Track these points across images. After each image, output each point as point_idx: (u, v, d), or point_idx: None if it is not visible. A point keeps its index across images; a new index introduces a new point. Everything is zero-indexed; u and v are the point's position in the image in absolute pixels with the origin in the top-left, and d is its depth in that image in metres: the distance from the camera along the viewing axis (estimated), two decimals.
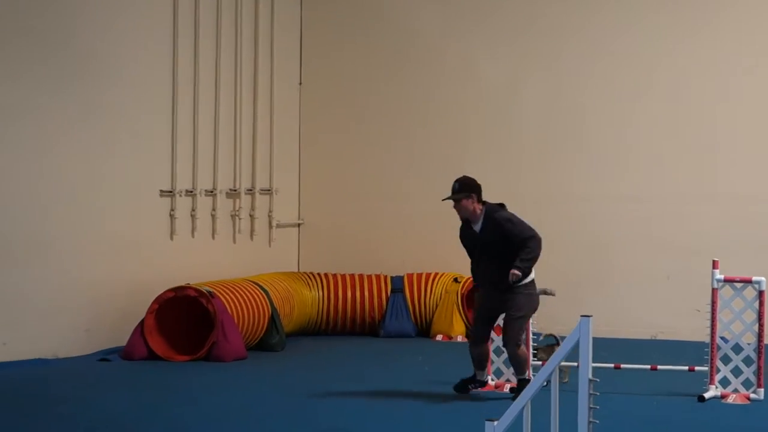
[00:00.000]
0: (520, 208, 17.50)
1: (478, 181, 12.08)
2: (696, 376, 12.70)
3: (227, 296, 14.91)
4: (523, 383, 11.36)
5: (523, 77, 17.96)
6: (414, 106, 18.47)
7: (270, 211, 18.21)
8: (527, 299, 11.92)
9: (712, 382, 12.38)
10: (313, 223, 18.90)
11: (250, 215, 17.82)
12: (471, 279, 13.01)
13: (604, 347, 13.04)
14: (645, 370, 13.23)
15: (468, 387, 12.29)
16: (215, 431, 10.56)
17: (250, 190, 17.79)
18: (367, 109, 18.68)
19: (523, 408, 6.85)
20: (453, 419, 11.09)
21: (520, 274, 11.61)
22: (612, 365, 12.86)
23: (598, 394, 6.75)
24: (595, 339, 6.87)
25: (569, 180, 17.53)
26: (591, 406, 6.73)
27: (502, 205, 12.24)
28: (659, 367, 13.22)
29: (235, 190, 17.49)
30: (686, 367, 13.02)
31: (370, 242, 18.43)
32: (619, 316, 16.83)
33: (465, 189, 11.98)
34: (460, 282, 17.04)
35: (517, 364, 12.02)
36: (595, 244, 17.40)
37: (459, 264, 17.55)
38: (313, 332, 17.22)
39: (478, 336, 12.20)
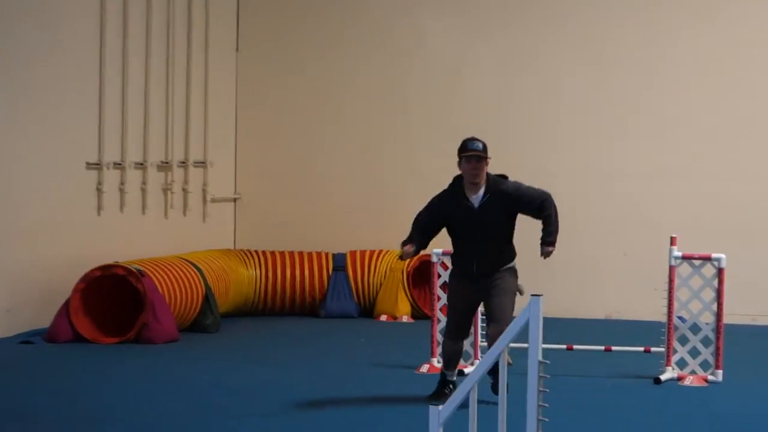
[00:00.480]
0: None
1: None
2: (652, 358, 12.81)
3: (158, 275, 14.84)
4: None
5: (473, 51, 17.96)
6: (358, 78, 18.50)
7: (204, 185, 18.16)
8: (514, 277, 10.92)
9: (668, 363, 12.47)
10: (251, 197, 18.87)
11: (183, 189, 17.76)
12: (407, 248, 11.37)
13: (556, 328, 13.22)
14: (599, 351, 13.28)
15: (445, 392, 10.89)
16: (143, 419, 10.42)
17: (183, 162, 17.72)
18: (309, 77, 18.67)
19: (469, 392, 6.79)
20: (396, 404, 11.06)
21: (553, 249, 10.81)
22: (564, 346, 12.95)
23: (548, 376, 6.74)
24: (546, 319, 6.89)
25: (520, 156, 17.51)
26: (541, 389, 6.71)
27: (504, 177, 11.09)
28: (614, 348, 13.32)
29: (166, 163, 17.40)
30: (642, 348, 13.12)
31: (311, 218, 18.46)
32: (572, 295, 17.01)
33: (486, 150, 10.92)
34: (405, 259, 16.92)
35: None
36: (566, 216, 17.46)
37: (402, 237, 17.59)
38: (250, 313, 17.22)
39: (461, 330, 11.12)
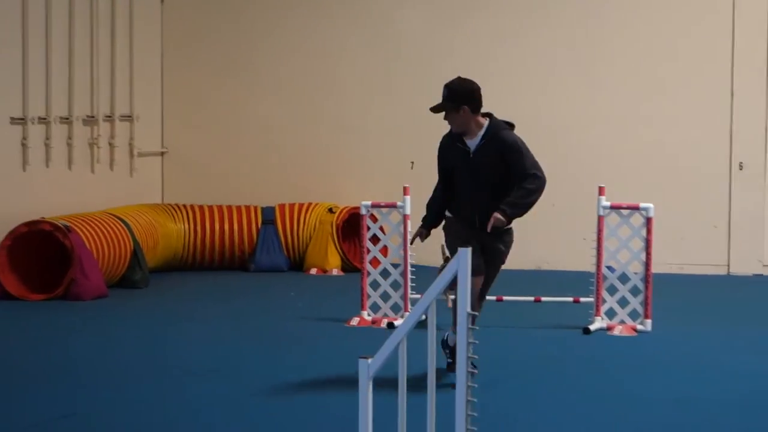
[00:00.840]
0: (401, 136, 17.72)
1: (476, 85, 10.00)
2: (581, 308, 12.94)
3: (86, 230, 14.77)
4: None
5: (401, 6, 17.94)
6: (288, 31, 18.36)
7: (131, 139, 18.05)
8: (510, 239, 10.16)
9: (597, 313, 12.59)
10: (178, 151, 18.79)
11: (110, 144, 17.63)
12: (426, 213, 10.52)
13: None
14: (528, 302, 13.44)
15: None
16: (71, 376, 10.45)
17: (109, 116, 17.58)
18: (238, 29, 18.56)
19: (398, 344, 6.86)
20: (325, 357, 11.17)
21: (503, 219, 9.65)
22: (494, 298, 12.87)
23: (477, 328, 6.77)
24: None
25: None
26: (471, 341, 6.76)
27: (511, 126, 10.13)
28: (543, 298, 13.46)
29: (92, 117, 17.26)
30: (571, 299, 13.29)
31: (240, 171, 18.39)
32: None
33: (453, 98, 9.83)
34: (335, 212, 17.07)
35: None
36: None
37: (335, 193, 17.66)
38: (179, 267, 17.20)
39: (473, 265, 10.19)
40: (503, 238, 10.03)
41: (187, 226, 17.18)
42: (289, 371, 10.60)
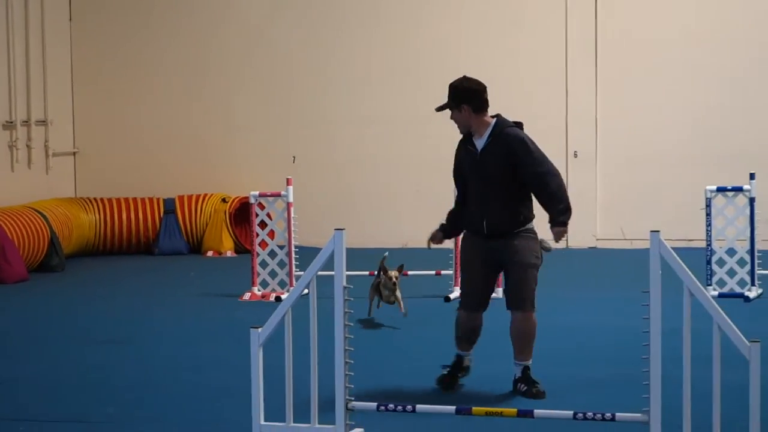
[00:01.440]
0: (283, 133, 17.71)
1: (479, 85, 8.59)
2: (442, 280, 13.07)
3: (7, 222, 14.68)
4: (527, 373, 8.33)
5: (277, 16, 17.88)
6: (178, 40, 18.26)
7: (46, 141, 17.83)
8: (534, 243, 8.38)
9: (456, 284, 12.60)
10: (88, 151, 18.60)
11: (27, 145, 17.44)
12: (442, 227, 8.82)
13: (359, 257, 13.23)
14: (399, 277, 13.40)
15: (457, 377, 8.57)
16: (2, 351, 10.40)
17: (26, 121, 17.39)
18: (135, 44, 18.39)
19: (284, 315, 6.95)
20: (221, 327, 11.17)
21: (564, 229, 8.16)
22: (366, 273, 12.95)
23: (352, 299, 6.91)
24: (350, 249, 7.02)
25: (331, 104, 17.63)
26: (346, 310, 6.89)
27: (519, 125, 8.58)
28: (410, 272, 13.41)
29: (11, 122, 17.08)
30: (434, 272, 13.33)
31: (143, 168, 18.23)
32: (373, 227, 17.00)
33: (454, 97, 8.53)
34: (227, 201, 17.07)
35: (528, 338, 8.33)
36: (348, 163, 17.55)
37: (227, 184, 17.63)
38: (91, 253, 17.04)
39: (475, 301, 8.46)
40: (512, 241, 8.24)
41: (97, 216, 17.03)
42: (190, 340, 10.63)
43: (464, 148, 8.52)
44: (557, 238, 8.21)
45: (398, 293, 10.98)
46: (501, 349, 8.62)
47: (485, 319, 8.53)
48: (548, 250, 8.51)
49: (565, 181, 8.48)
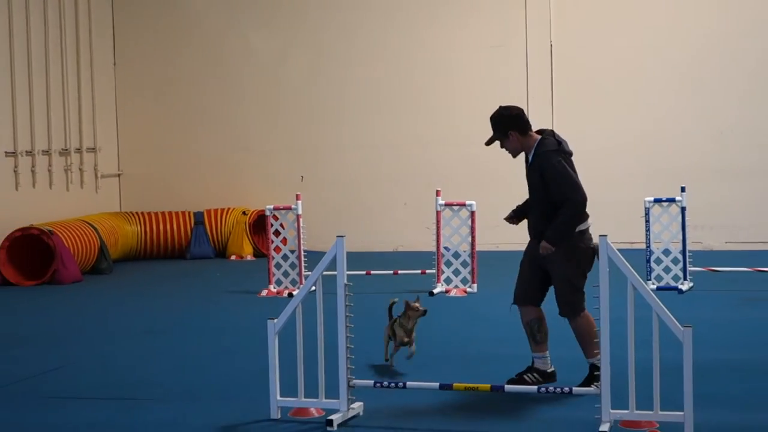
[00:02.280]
0: (293, 157, 17.68)
1: (516, 109, 7.89)
2: (427, 278, 13.01)
3: (64, 233, 14.65)
4: (593, 370, 7.37)
5: (290, 51, 17.84)
6: (205, 76, 18.13)
7: (95, 165, 17.75)
8: (567, 254, 7.51)
9: (438, 281, 12.71)
10: (130, 173, 18.53)
11: (80, 169, 17.34)
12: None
13: (358, 259, 13.25)
14: (389, 274, 13.42)
15: (524, 378, 7.71)
16: (58, 339, 10.38)
17: (78, 149, 17.31)
18: (169, 82, 18.28)
19: (295, 308, 6.96)
20: (243, 318, 11.14)
21: (550, 247, 7.47)
22: (364, 272, 13.00)
23: (351, 294, 6.93)
24: (350, 253, 7.04)
25: (332, 132, 17.62)
26: (347, 304, 6.91)
27: (559, 143, 7.70)
28: (400, 271, 13.44)
29: (66, 150, 17.01)
30: (419, 271, 13.29)
31: (176, 187, 18.13)
32: (369, 234, 16.82)
33: (499, 127, 7.79)
34: (247, 214, 17.04)
35: (580, 338, 7.62)
36: (348, 181, 17.52)
37: (247, 200, 17.60)
38: (134, 258, 16.95)
39: (521, 294, 7.84)
40: (553, 255, 7.50)
41: (139, 227, 16.95)
42: (216, 330, 10.64)
43: (526, 158, 7.76)
44: (540, 251, 7.51)
45: (414, 334, 8.50)
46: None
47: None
48: (594, 249, 7.24)
49: (580, 210, 7.59)
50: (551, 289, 7.72)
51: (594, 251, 7.27)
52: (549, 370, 7.70)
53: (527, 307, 7.75)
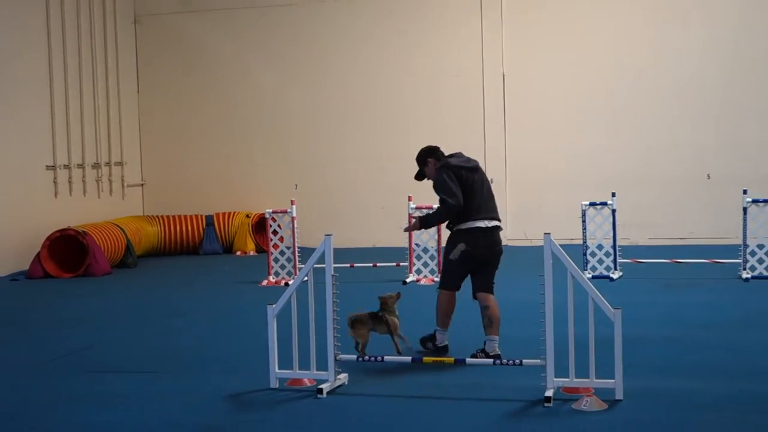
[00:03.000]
0: (289, 169, 17.68)
1: (432, 146, 8.48)
2: (401, 269, 13.08)
3: (96, 233, 14.63)
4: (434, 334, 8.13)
5: (288, 81, 17.84)
6: (214, 101, 18.09)
7: (122, 177, 17.72)
8: (450, 243, 7.98)
9: (410, 272, 12.76)
10: (152, 183, 18.47)
11: (109, 180, 17.30)
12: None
13: (343, 254, 13.28)
14: (369, 266, 13.43)
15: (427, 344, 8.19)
16: (90, 322, 10.36)
17: (108, 163, 17.27)
18: (183, 106, 18.25)
19: (290, 296, 6.98)
20: (246, 303, 11.12)
21: (416, 223, 8.16)
22: (348, 265, 13.03)
23: (338, 283, 6.96)
24: (336, 249, 7.06)
25: (322, 148, 17.62)
26: (334, 291, 6.93)
27: (452, 156, 8.23)
28: (378, 264, 13.47)
29: (98, 164, 16.96)
30: (395, 263, 13.35)
31: (190, 194, 18.08)
32: (352, 233, 16.83)
33: (419, 161, 8.34)
34: (250, 217, 17.03)
35: (437, 308, 8.16)
36: (334, 188, 17.54)
37: (249, 205, 17.60)
38: (155, 254, 16.92)
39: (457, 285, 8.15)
40: (446, 245, 8.06)
41: (159, 228, 16.92)
42: (225, 313, 10.64)
43: None
44: (408, 227, 8.65)
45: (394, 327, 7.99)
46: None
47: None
48: (466, 251, 7.80)
49: (451, 211, 7.87)
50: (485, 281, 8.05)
51: (467, 252, 7.76)
52: (440, 345, 8.05)
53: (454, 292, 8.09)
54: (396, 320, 7.91)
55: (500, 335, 7.84)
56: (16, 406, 6.90)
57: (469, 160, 8.18)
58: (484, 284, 7.95)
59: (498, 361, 7.06)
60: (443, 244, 12.62)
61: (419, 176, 8.37)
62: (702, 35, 16.13)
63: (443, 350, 8.01)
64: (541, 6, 16.63)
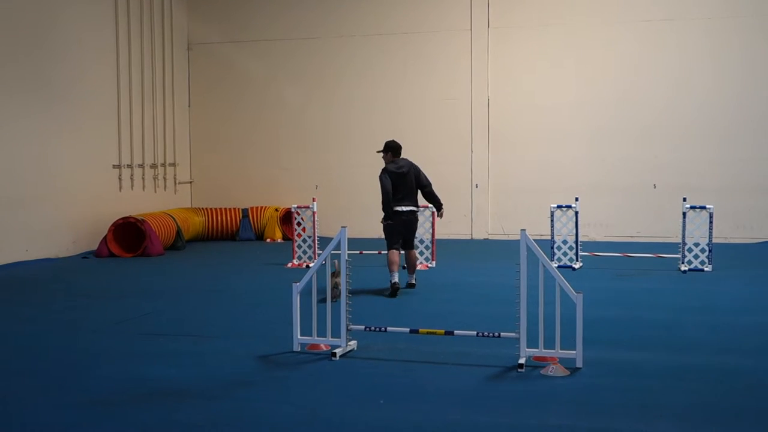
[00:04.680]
0: (311, 172, 17.66)
1: (394, 142, 10.09)
2: (402, 256, 12.85)
3: (153, 221, 14.62)
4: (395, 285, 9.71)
5: (311, 99, 17.78)
6: (252, 116, 18.07)
7: (175, 175, 17.74)
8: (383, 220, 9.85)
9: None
10: (199, 181, 18.47)
11: (164, 178, 17.31)
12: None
13: (355, 242, 13.26)
14: (375, 254, 13.39)
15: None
16: (147, 293, 10.36)
17: (163, 164, 17.28)
18: (226, 118, 18.25)
19: (311, 276, 6.96)
20: (274, 281, 11.09)
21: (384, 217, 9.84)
22: (359, 252, 13.00)
23: (350, 267, 6.93)
24: (350, 238, 7.05)
25: (338, 156, 17.58)
26: (347, 273, 6.91)
27: (392, 162, 9.95)
28: (382, 252, 13.43)
29: (155, 164, 16.97)
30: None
31: (230, 191, 18.13)
32: (362, 226, 16.70)
33: (384, 148, 10.04)
34: (278, 210, 17.01)
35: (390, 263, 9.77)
36: (351, 188, 17.52)
37: (277, 201, 17.59)
38: (200, 239, 16.94)
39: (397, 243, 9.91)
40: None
41: (204, 218, 16.91)
42: (257, 289, 10.58)
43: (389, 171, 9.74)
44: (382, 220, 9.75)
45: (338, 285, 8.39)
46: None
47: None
48: (389, 224, 9.74)
49: (384, 200, 9.68)
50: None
51: (389, 225, 9.62)
52: (393, 281, 9.61)
53: (398, 249, 9.78)
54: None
55: (483, 313, 7.99)
56: (87, 360, 6.91)
57: (401, 167, 9.80)
58: (406, 243, 9.98)
59: (480, 334, 7.05)
60: (437, 236, 12.84)
61: (379, 152, 10.05)
62: (653, 70, 16.10)
63: (395, 287, 9.57)
64: (521, 43, 16.62)
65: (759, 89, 15.65)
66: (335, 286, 8.32)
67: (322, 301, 7.03)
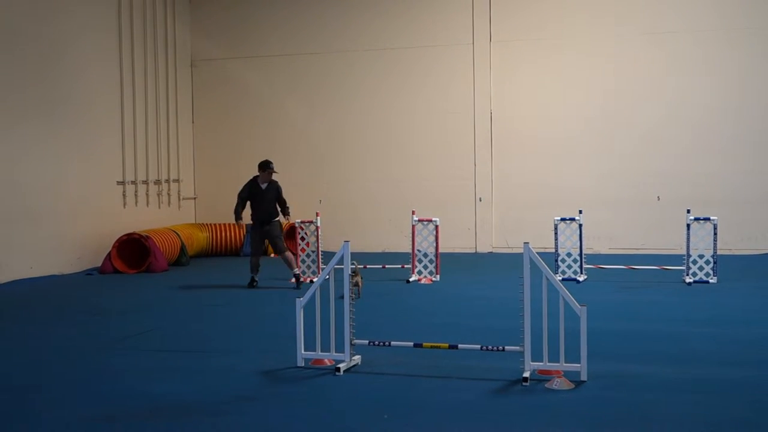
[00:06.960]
0: (314, 187, 17.67)
1: (264, 162, 12.12)
2: (405, 270, 13.10)
3: (157, 237, 14.64)
4: (297, 276, 11.83)
5: (314, 114, 17.83)
6: (254, 131, 18.12)
7: (179, 191, 17.80)
8: (281, 224, 12.13)
9: (413, 272, 12.65)
10: (203, 197, 18.50)
11: (168, 194, 17.36)
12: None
13: (359, 257, 13.26)
14: (379, 268, 13.46)
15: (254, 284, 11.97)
16: (150, 309, 10.36)
17: (167, 180, 17.33)
18: (229, 136, 18.30)
19: (315, 290, 6.96)
20: (278, 295, 11.11)
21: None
22: (363, 266, 12.98)
23: (354, 277, 6.88)
24: (353, 253, 7.04)
25: (340, 171, 17.60)
26: (351, 287, 6.90)
27: (257, 177, 12.09)
28: (387, 266, 13.47)
29: (159, 180, 17.02)
30: (400, 266, 13.33)
31: (233, 206, 17.79)
32: (365, 240, 16.88)
33: (261, 166, 12.02)
34: (282, 225, 16.98)
35: (289, 264, 11.86)
36: (353, 203, 17.54)
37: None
38: (205, 255, 16.94)
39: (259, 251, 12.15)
40: (273, 225, 11.94)
41: (208, 233, 16.92)
42: (260, 303, 10.58)
43: (253, 186, 11.88)
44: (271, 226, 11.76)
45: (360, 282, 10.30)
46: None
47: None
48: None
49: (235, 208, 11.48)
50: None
51: (249, 232, 10.84)
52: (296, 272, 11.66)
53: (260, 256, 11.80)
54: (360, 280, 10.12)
55: (487, 327, 7.98)
56: (92, 377, 6.90)
57: (265, 184, 11.80)
58: (276, 248, 11.82)
59: (485, 348, 7.04)
60: (441, 250, 12.85)
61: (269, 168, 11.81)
62: (656, 82, 16.13)
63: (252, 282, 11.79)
64: (523, 56, 16.66)
65: (762, 101, 15.66)
66: (355, 285, 8.41)
67: (340, 297, 7.03)
